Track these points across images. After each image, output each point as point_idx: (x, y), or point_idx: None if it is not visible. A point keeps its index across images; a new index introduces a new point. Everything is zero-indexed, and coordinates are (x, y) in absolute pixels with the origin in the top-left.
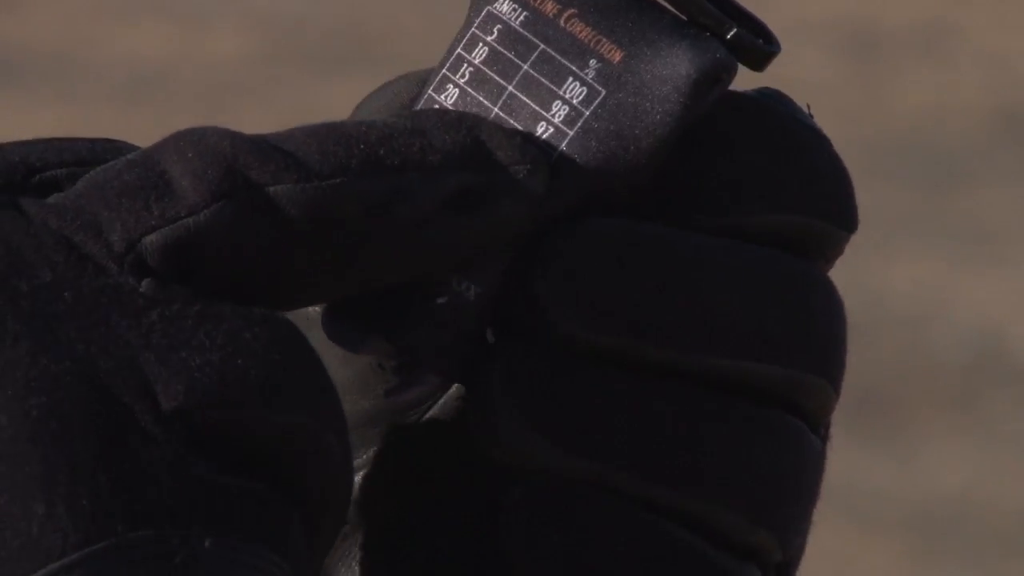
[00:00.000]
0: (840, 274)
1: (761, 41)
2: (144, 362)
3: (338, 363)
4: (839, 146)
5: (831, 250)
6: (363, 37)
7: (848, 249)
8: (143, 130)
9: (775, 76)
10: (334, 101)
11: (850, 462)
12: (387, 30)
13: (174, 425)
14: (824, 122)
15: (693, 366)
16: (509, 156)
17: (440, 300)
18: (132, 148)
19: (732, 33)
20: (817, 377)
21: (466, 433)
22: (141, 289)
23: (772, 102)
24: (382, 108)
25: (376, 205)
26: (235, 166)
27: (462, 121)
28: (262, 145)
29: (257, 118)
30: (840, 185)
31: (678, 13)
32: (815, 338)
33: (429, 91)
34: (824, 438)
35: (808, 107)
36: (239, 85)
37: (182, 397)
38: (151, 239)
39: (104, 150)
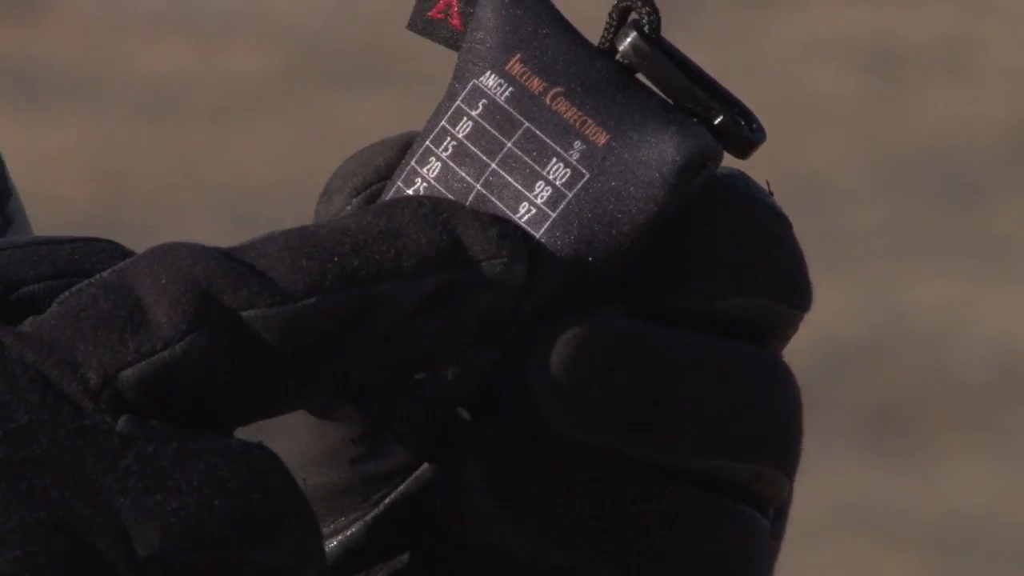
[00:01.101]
0: (860, 292)
1: (748, 127)
2: (120, 508)
3: (310, 434)
4: (861, 163)
5: (788, 331)
6: (381, 54)
7: (869, 266)
8: (165, 145)
9: (796, 93)
10: (352, 117)
11: (871, 479)
12: (405, 47)
13: (151, 571)
14: (844, 139)
15: (669, 463)
16: (486, 250)
17: (418, 376)
18: (112, 249)
19: (720, 120)
20: (777, 471)
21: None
22: (117, 427)
23: (737, 183)
24: (356, 171)
25: (351, 318)
26: (209, 292)
27: (437, 215)
28: (236, 267)
29: (276, 134)
30: (799, 267)
31: (665, 97)
32: (779, 433)
33: (412, 163)
34: (778, 517)
35: (768, 185)
36: (259, 101)
37: (158, 543)
38: (127, 374)
39: (84, 257)
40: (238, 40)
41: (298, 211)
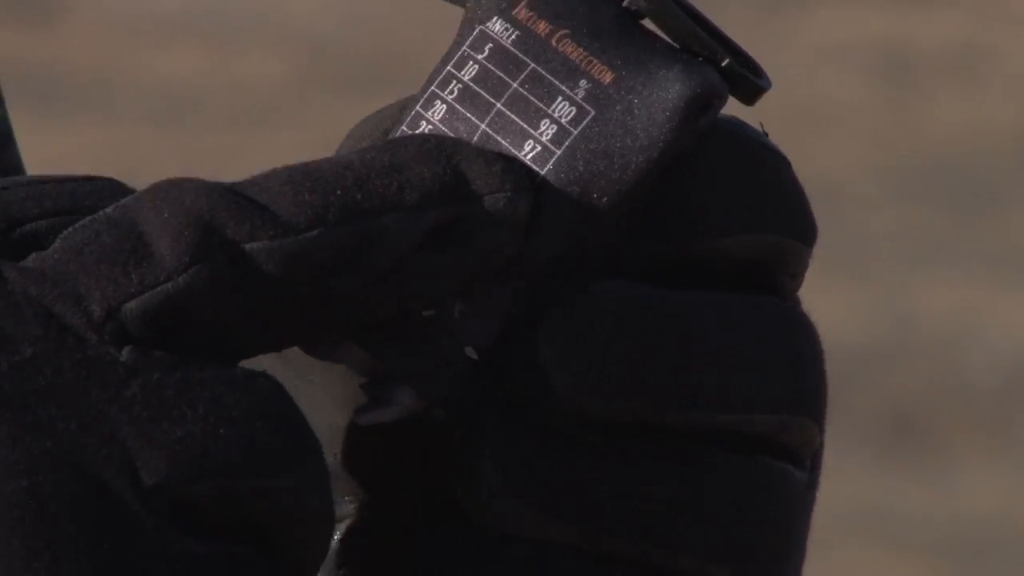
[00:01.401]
0: (872, 298)
1: (754, 73)
2: (125, 437)
3: (336, 408)
4: (873, 169)
5: (799, 266)
6: (396, 59)
7: (881, 272)
8: (178, 151)
9: (808, 98)
10: None
11: (884, 485)
12: (419, 54)
13: (157, 500)
14: (856, 145)
15: (690, 426)
16: (489, 184)
17: (426, 313)
18: (114, 187)
19: (725, 62)
20: (804, 418)
21: (449, 489)
22: (122, 358)
23: (734, 127)
24: (369, 133)
25: (354, 251)
26: (211, 225)
27: (441, 150)
28: (239, 200)
29: (291, 140)
30: (802, 202)
31: (671, 41)
32: (802, 381)
33: (417, 107)
34: (813, 467)
35: (762, 126)
36: (273, 107)
37: (164, 472)
38: (130, 306)
39: (86, 194)
40: (252, 46)
41: None
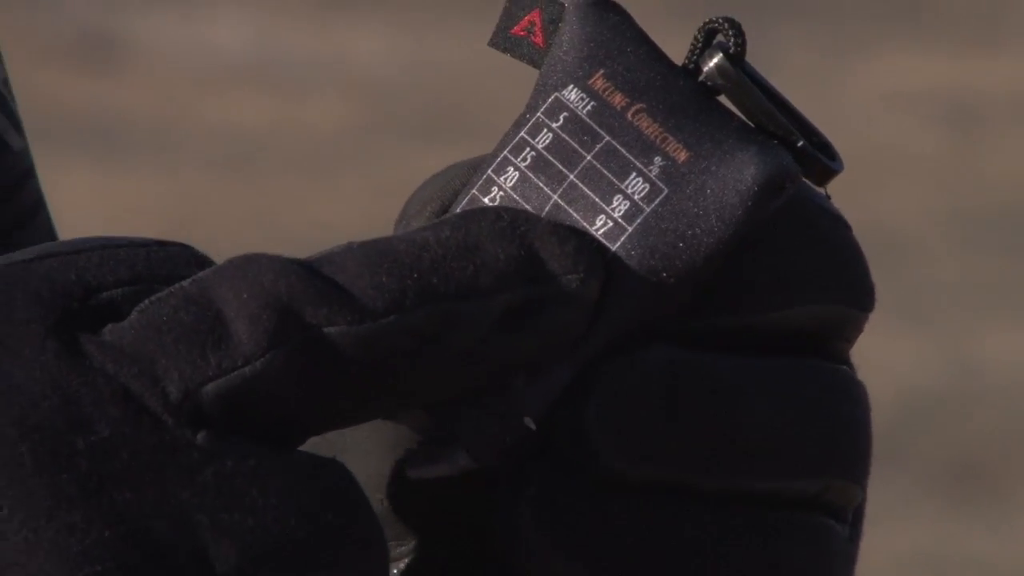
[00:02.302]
0: (937, 345)
1: (827, 154)
2: (198, 524)
3: (383, 455)
4: (937, 216)
5: (853, 332)
6: (460, 107)
7: (946, 319)
8: (243, 198)
9: (872, 145)
10: (430, 169)
11: (947, 532)
12: (483, 101)
13: None
14: (920, 192)
15: (731, 490)
16: (562, 265)
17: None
18: (188, 254)
19: (800, 144)
20: (847, 481)
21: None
22: (196, 442)
23: (796, 191)
24: (437, 195)
25: (428, 336)
26: (289, 308)
27: (515, 228)
28: (316, 282)
29: (355, 186)
30: (860, 269)
31: (746, 120)
32: (844, 446)
33: (489, 171)
34: (855, 521)
35: (826, 189)
36: (337, 155)
37: (235, 561)
38: (207, 389)
39: (160, 262)
40: (316, 92)
41: None
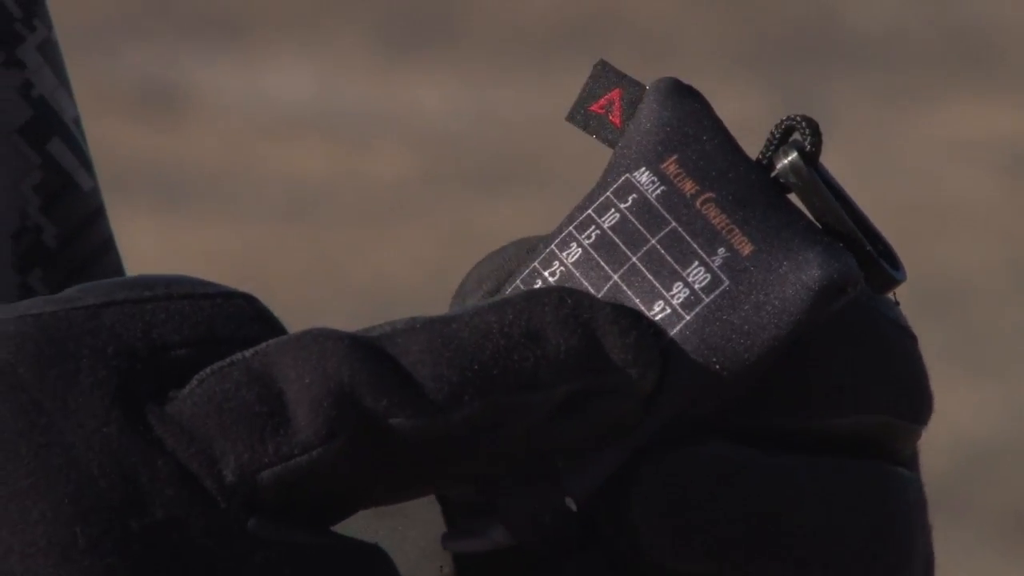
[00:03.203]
0: (1000, 393)
1: (891, 263)
2: None
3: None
4: (1000, 265)
5: (907, 444)
6: (521, 158)
7: (1009, 368)
8: (304, 248)
9: (934, 195)
10: (493, 221)
11: None
12: (545, 151)
13: None
14: (984, 241)
15: None
16: (623, 358)
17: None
18: (253, 309)
19: (866, 250)
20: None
21: None
22: (248, 527)
23: (862, 297)
24: (491, 275)
25: (485, 425)
26: (351, 396)
27: (577, 316)
28: (378, 369)
29: (415, 238)
30: (921, 384)
31: (814, 220)
32: (892, 548)
33: (552, 246)
34: None
35: (895, 295)
36: (397, 205)
37: None
38: (263, 476)
39: (225, 320)
40: (378, 142)
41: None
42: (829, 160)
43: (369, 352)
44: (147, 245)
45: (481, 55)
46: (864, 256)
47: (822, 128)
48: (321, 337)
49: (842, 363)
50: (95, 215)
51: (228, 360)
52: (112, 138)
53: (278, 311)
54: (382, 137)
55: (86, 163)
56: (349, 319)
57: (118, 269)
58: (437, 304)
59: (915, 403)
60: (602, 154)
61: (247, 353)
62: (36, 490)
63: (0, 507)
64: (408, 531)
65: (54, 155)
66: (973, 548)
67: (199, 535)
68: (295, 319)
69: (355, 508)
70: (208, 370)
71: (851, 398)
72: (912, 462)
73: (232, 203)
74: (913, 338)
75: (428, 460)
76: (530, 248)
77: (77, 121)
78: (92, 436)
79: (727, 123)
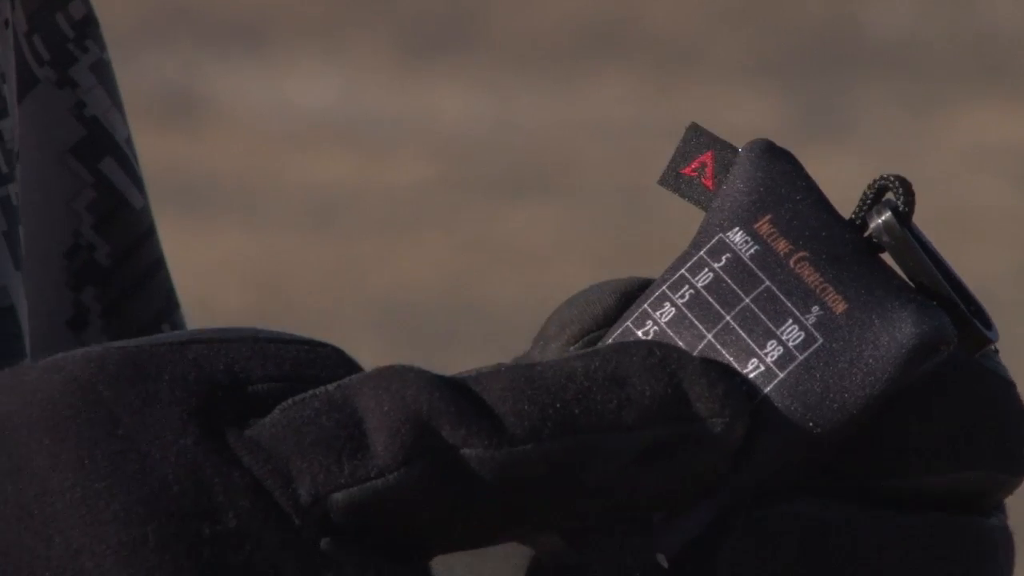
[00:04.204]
0: None
1: (984, 324)
2: None
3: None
4: (1017, 274)
5: (1004, 496)
6: (544, 165)
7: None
8: (327, 256)
9: (957, 202)
10: (515, 227)
11: None
12: (568, 158)
13: None
14: (1008, 249)
15: None
16: (709, 408)
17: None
18: (338, 358)
19: (959, 309)
20: None
21: None
22: (320, 546)
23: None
24: (574, 319)
25: (566, 466)
26: (429, 425)
27: (665, 366)
28: (458, 401)
29: (438, 245)
30: (1020, 434)
31: (907, 279)
32: None
33: (645, 305)
34: None
35: (995, 347)
36: (420, 212)
37: None
38: (338, 497)
39: (309, 362)
40: (401, 150)
41: (459, 321)
42: (849, 166)
43: (450, 385)
44: (170, 252)
45: (501, 62)
46: (957, 315)
47: (840, 135)
48: (403, 370)
49: (940, 421)
50: (147, 234)
51: (310, 392)
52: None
53: (299, 319)
54: (403, 144)
55: (138, 182)
56: (370, 326)
57: (169, 288)
58: (457, 312)
59: (1012, 455)
60: (625, 164)
61: (329, 386)
62: (109, 492)
63: (73, 509)
64: (483, 567)
65: (106, 174)
66: None
67: (271, 547)
68: (316, 325)
69: (433, 549)
70: (290, 400)
71: (943, 456)
72: (1001, 505)
73: (254, 210)
74: (1012, 386)
75: (508, 499)
76: (612, 292)
77: (129, 141)
78: (168, 446)
79: (744, 131)
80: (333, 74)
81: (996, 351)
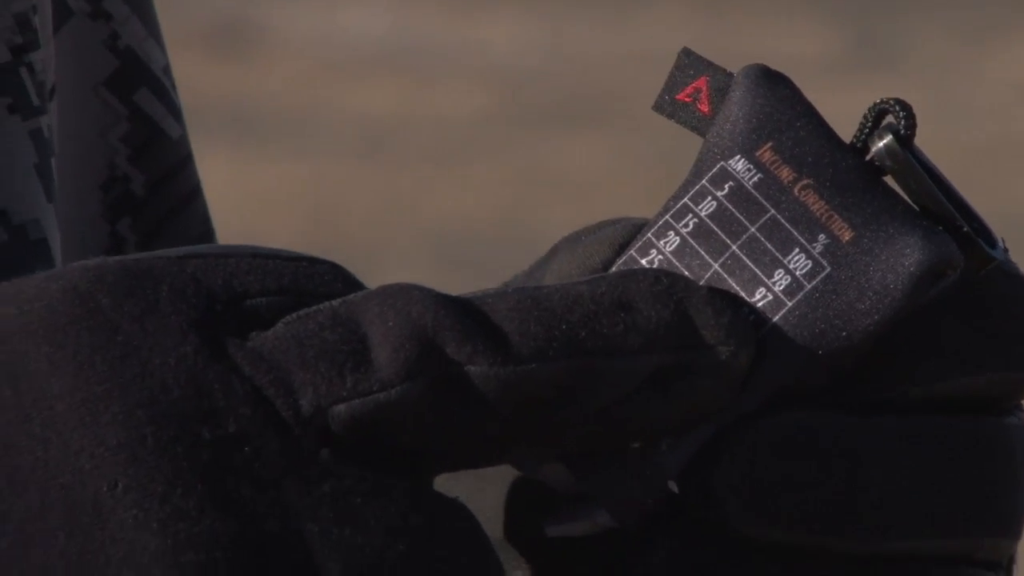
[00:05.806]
0: None
1: (988, 243)
2: (308, 534)
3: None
4: None
5: (1021, 394)
6: (595, 96)
7: None
8: (376, 185)
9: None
10: (564, 157)
11: None
12: (619, 89)
13: None
14: None
15: (865, 553)
16: (715, 335)
17: (634, 446)
18: (336, 273)
19: (964, 230)
20: (997, 538)
21: None
22: (320, 456)
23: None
24: (593, 251)
25: (571, 388)
26: (433, 342)
27: (672, 293)
28: (463, 319)
29: (487, 175)
30: None
31: (911, 203)
32: (993, 504)
33: (649, 235)
34: (1008, 571)
35: (1004, 242)
36: (470, 142)
37: (337, 575)
38: (339, 409)
39: (308, 277)
40: (451, 80)
41: (510, 252)
42: (899, 94)
43: (456, 303)
44: (220, 181)
45: None
46: (962, 236)
47: (891, 64)
48: (408, 287)
49: (942, 327)
50: (183, 162)
51: (314, 307)
52: (185, 75)
53: (349, 247)
54: (454, 74)
55: (175, 111)
56: (420, 255)
57: (204, 215)
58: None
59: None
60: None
61: (334, 302)
62: (108, 395)
63: (71, 412)
64: (486, 491)
65: (141, 105)
66: None
67: (269, 453)
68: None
69: (435, 466)
70: (294, 315)
71: (952, 363)
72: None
73: (304, 139)
74: (1020, 281)
75: (510, 419)
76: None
77: (167, 70)
78: (168, 353)
79: (796, 60)
80: (385, 3)
81: (1007, 251)
